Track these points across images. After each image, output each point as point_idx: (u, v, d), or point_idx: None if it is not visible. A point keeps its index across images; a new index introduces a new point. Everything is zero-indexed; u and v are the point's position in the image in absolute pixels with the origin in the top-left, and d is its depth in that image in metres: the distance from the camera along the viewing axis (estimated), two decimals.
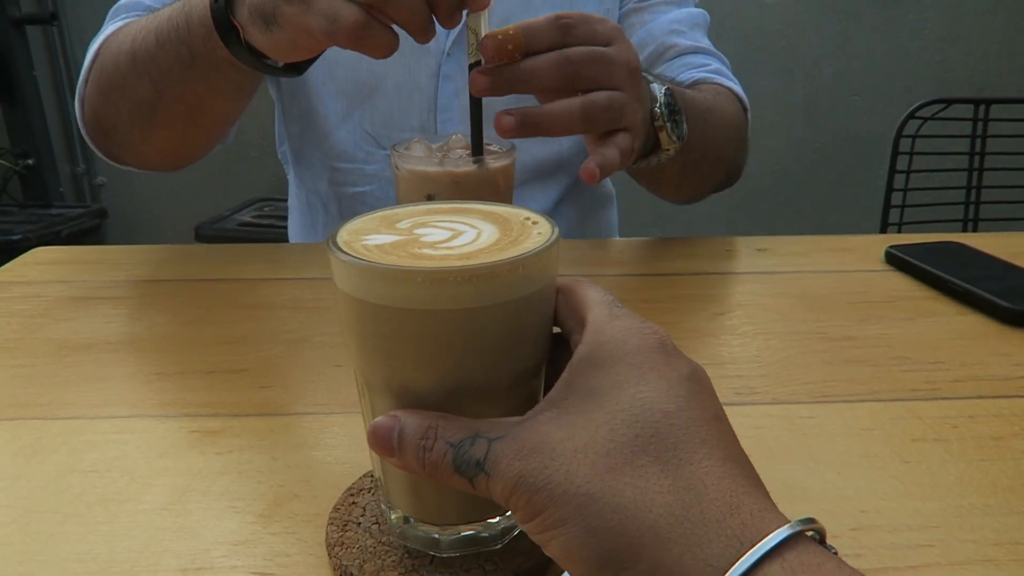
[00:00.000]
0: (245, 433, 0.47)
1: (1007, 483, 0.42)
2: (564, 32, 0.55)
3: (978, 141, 1.50)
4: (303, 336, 0.60)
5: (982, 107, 1.52)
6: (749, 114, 0.92)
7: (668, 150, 0.68)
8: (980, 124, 1.50)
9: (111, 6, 0.83)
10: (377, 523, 0.37)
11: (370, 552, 0.35)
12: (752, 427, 0.48)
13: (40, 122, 2.47)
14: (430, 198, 0.58)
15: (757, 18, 2.52)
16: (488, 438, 0.28)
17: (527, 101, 0.58)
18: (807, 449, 0.46)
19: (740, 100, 0.90)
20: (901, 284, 0.71)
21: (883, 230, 1.50)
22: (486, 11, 0.54)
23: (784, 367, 0.55)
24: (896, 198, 1.49)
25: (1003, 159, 1.57)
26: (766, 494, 0.27)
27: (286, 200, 1.12)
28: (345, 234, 0.33)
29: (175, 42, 0.64)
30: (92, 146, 0.82)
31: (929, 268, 0.70)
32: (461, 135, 0.62)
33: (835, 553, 0.26)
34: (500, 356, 0.31)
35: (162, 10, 0.69)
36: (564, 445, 0.27)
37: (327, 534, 0.37)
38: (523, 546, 0.36)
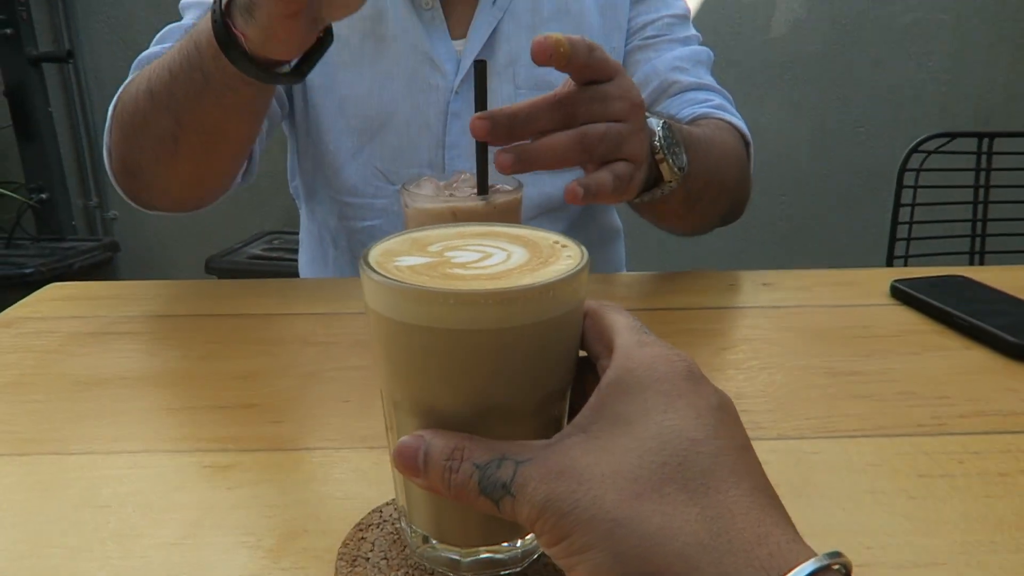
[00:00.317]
0: (256, 468, 0.47)
1: (1014, 519, 0.42)
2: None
3: (983, 174, 1.51)
4: (313, 371, 0.61)
5: (986, 140, 1.53)
6: (752, 148, 0.93)
7: (671, 182, 0.70)
8: (984, 157, 1.51)
9: (126, 45, 0.86)
10: (386, 558, 0.37)
11: None
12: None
13: (55, 157, 2.51)
14: None
15: (762, 52, 2.55)
16: (515, 460, 0.28)
17: None
18: (812, 484, 0.46)
19: (742, 135, 0.91)
20: (906, 318, 0.71)
21: (889, 263, 1.50)
22: None
23: (789, 402, 0.56)
24: (902, 231, 1.50)
25: (1009, 192, 1.58)
26: (793, 526, 0.27)
27: (296, 233, 1.14)
28: (378, 255, 0.34)
29: (188, 70, 0.66)
30: (122, 193, 0.84)
31: (934, 302, 0.71)
32: (468, 174, 0.64)
33: None
34: (527, 377, 0.31)
35: (172, 46, 0.71)
36: (592, 470, 0.27)
37: (336, 569, 0.37)
38: (545, 571, 0.36)
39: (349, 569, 0.37)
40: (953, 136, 1.48)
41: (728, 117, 0.91)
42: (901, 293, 0.75)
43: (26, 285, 1.94)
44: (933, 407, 0.55)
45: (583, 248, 0.34)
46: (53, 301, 0.76)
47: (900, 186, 1.45)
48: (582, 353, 0.35)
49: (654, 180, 0.70)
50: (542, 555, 0.36)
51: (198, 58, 0.65)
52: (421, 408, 0.32)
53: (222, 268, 2.19)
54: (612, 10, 0.96)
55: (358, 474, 0.47)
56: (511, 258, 0.33)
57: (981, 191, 1.50)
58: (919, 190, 1.47)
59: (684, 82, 0.94)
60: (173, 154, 0.74)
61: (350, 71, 0.92)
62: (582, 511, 0.26)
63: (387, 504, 0.42)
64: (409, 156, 0.93)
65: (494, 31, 0.92)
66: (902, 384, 0.58)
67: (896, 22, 2.53)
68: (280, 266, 2.18)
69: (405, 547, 0.37)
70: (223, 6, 0.61)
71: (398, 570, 0.36)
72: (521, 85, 0.93)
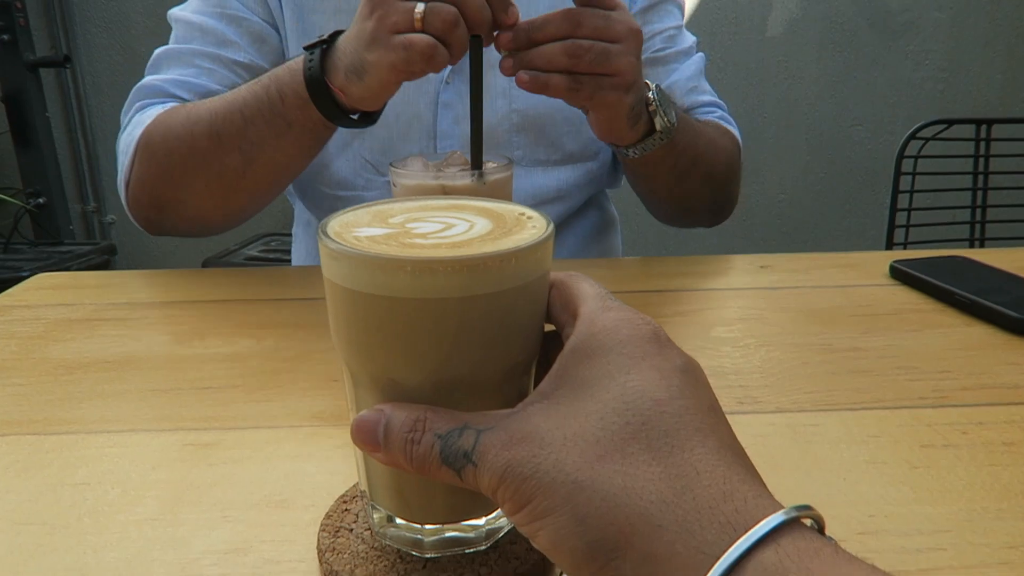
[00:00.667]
0: (239, 445, 0.46)
1: (1020, 487, 0.41)
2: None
3: (981, 160, 1.49)
4: (301, 352, 0.59)
5: (984, 127, 1.52)
6: (742, 155, 0.97)
7: (662, 133, 0.76)
8: (983, 144, 1.50)
9: (123, 50, 0.87)
10: (369, 529, 0.36)
11: (362, 557, 0.34)
12: (754, 435, 0.47)
13: (52, 162, 2.50)
14: None
15: (758, 51, 2.55)
16: (477, 429, 0.28)
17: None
18: (811, 456, 0.44)
19: (735, 139, 0.96)
20: (906, 297, 0.70)
21: (888, 250, 1.49)
22: None
23: (787, 377, 0.54)
24: (900, 218, 1.48)
25: (1008, 179, 1.57)
26: (762, 483, 0.26)
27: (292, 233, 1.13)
28: (336, 226, 0.33)
29: (269, 116, 0.72)
30: (137, 221, 0.87)
31: (934, 281, 0.69)
32: (459, 152, 0.63)
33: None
34: (490, 349, 0.30)
35: (233, 93, 0.76)
36: (553, 434, 0.26)
37: (319, 540, 0.36)
38: (517, 550, 0.35)
39: (332, 539, 0.36)
40: (951, 123, 1.47)
41: (725, 125, 0.97)
42: (900, 273, 0.74)
43: None
44: (934, 381, 0.53)
45: (548, 219, 0.33)
46: (40, 290, 0.75)
47: (898, 172, 1.43)
48: (550, 328, 0.34)
49: (647, 132, 0.76)
50: (508, 532, 0.35)
51: (281, 106, 0.71)
52: (382, 383, 0.31)
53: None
54: None
55: (344, 451, 0.45)
56: (473, 228, 0.32)
57: (980, 177, 1.49)
58: (917, 177, 1.45)
59: (700, 101, 1.00)
60: (234, 189, 0.79)
61: None
62: (543, 475, 0.26)
63: None
64: (399, 147, 0.92)
65: None
66: (902, 360, 0.57)
67: (893, 21, 2.52)
68: (277, 268, 2.17)
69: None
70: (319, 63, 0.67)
71: (381, 540, 0.35)
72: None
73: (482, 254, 0.29)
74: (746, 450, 0.28)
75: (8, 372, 0.56)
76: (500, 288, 0.29)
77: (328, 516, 0.37)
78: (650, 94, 0.74)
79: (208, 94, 0.83)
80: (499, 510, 0.34)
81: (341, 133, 0.93)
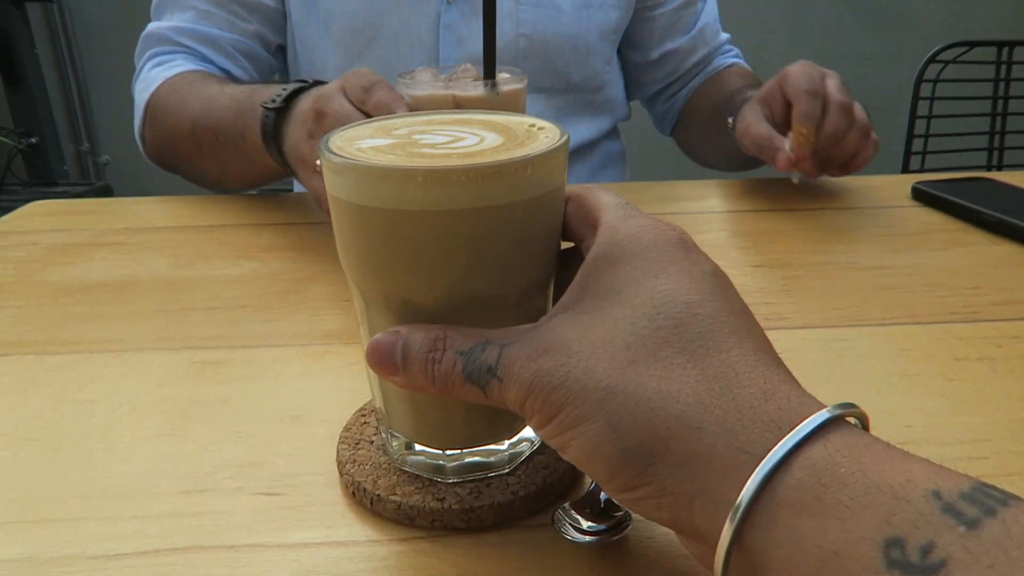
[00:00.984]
0: (249, 364, 0.45)
1: None
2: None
3: (1002, 85, 1.45)
4: (309, 274, 0.57)
5: (1005, 49, 1.47)
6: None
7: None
8: (1004, 67, 1.45)
9: None
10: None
11: (384, 468, 0.33)
12: (783, 350, 0.44)
13: (43, 101, 2.45)
14: None
15: None
16: (500, 344, 0.26)
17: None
18: (843, 370, 0.43)
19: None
20: (930, 218, 0.68)
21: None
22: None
23: (813, 295, 0.53)
24: (917, 144, 1.44)
25: None
26: (801, 386, 0.24)
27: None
28: (338, 140, 0.30)
29: (235, 148, 0.71)
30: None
31: (959, 201, 0.67)
32: (470, 65, 0.60)
33: None
34: (506, 264, 0.28)
35: (214, 101, 0.74)
36: (581, 343, 0.25)
37: (338, 452, 0.34)
38: (545, 460, 0.33)
39: (352, 452, 0.34)
40: (972, 45, 1.41)
41: (742, 63, 1.04)
42: (923, 195, 0.72)
43: None
44: (965, 297, 0.52)
45: (562, 128, 0.31)
46: (35, 216, 0.73)
47: (916, 98, 1.39)
48: (567, 245, 0.32)
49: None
50: (530, 456, 0.34)
51: (243, 145, 0.69)
52: (395, 304, 0.29)
53: None
54: None
55: (360, 367, 0.44)
56: (484, 141, 0.30)
57: (1000, 102, 1.45)
58: (935, 102, 1.41)
59: (722, 40, 1.05)
60: (216, 185, 0.83)
61: None
62: (573, 382, 0.24)
63: None
64: (401, 71, 0.88)
65: None
66: (930, 277, 0.55)
67: None
68: (280, 194, 2.13)
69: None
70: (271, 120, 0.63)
71: (401, 467, 0.34)
72: None
73: (495, 162, 0.27)
74: None
75: (4, 295, 0.55)
76: (515, 199, 0.27)
77: (347, 429, 0.36)
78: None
79: (208, 39, 0.86)
80: (520, 434, 0.33)
81: (338, 57, 0.90)
